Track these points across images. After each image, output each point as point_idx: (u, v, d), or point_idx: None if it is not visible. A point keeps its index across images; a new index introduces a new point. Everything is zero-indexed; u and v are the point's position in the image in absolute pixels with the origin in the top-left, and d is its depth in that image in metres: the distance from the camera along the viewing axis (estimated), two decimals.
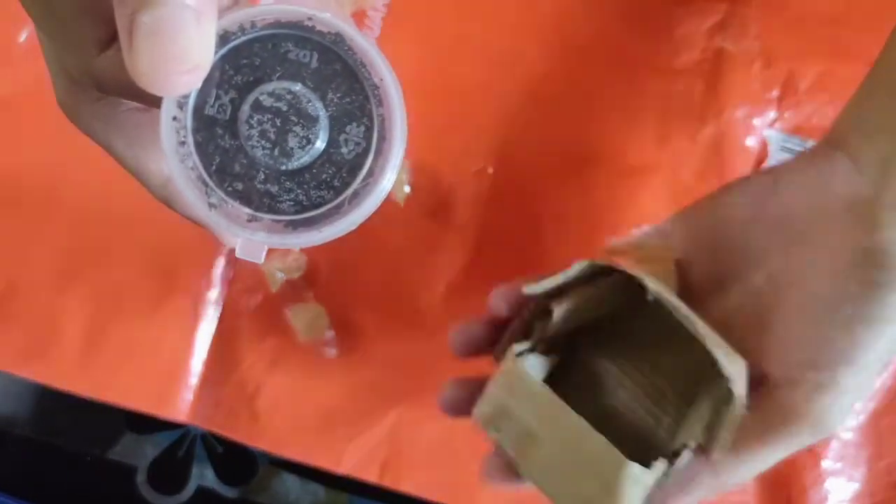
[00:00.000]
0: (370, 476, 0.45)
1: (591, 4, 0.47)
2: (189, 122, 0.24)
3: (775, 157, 0.46)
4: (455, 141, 0.47)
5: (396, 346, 0.46)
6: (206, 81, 0.23)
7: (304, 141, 0.23)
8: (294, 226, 0.24)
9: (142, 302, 0.46)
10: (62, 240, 0.47)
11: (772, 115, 0.46)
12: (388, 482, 0.45)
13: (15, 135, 0.48)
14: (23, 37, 0.48)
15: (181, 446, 0.48)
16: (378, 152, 0.24)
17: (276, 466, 0.47)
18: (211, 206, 0.24)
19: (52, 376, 0.46)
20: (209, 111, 0.24)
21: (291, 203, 0.24)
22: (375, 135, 0.24)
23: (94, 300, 0.46)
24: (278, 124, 0.23)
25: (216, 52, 0.23)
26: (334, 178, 0.24)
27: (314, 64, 0.24)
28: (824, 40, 0.46)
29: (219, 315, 0.46)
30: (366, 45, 0.23)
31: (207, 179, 0.24)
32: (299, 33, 0.23)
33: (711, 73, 0.47)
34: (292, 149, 0.23)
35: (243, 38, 0.23)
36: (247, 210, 0.24)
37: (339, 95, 0.24)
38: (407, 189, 0.46)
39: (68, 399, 0.46)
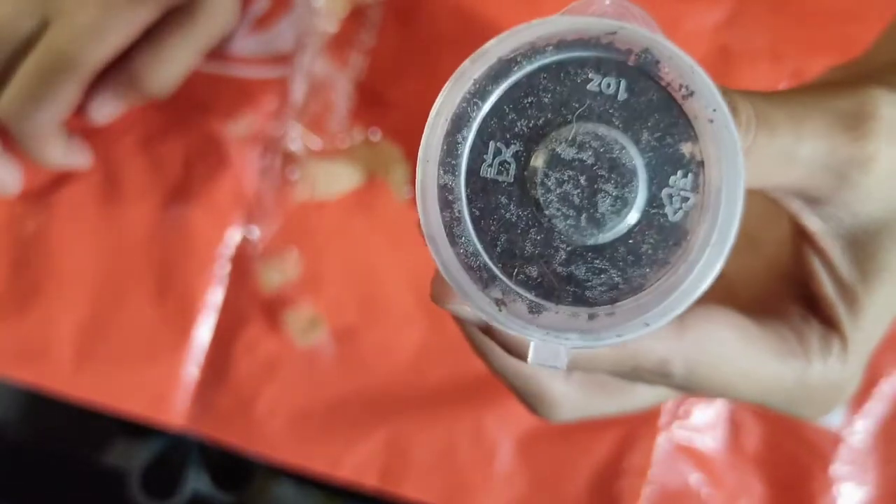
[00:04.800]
0: (369, 481, 0.44)
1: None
2: (462, 190, 0.19)
3: None
4: None
5: (395, 350, 0.45)
6: (480, 132, 0.18)
7: (619, 203, 0.18)
8: (606, 316, 0.18)
9: (137, 305, 0.46)
10: (56, 242, 0.46)
11: None
12: (388, 488, 0.44)
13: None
14: None
15: (175, 451, 0.47)
16: (709, 206, 0.18)
17: (273, 472, 0.47)
18: (498, 303, 0.18)
19: (45, 380, 0.45)
20: (486, 172, 0.18)
21: (604, 289, 0.18)
22: (706, 183, 0.18)
23: (89, 303, 0.46)
24: (583, 183, 0.18)
25: (493, 88, 0.18)
26: (658, 248, 0.18)
27: (622, 95, 0.18)
28: (832, 36, 0.46)
29: (216, 319, 0.46)
30: (689, 63, 0.18)
31: (491, 266, 0.19)
32: (598, 54, 0.18)
33: (717, 69, 0.46)
34: (604, 215, 0.18)
35: (527, 69, 0.18)
36: (545, 303, 0.18)
37: (656, 136, 0.18)
38: (407, 189, 0.45)
39: (59, 402, 0.45)
